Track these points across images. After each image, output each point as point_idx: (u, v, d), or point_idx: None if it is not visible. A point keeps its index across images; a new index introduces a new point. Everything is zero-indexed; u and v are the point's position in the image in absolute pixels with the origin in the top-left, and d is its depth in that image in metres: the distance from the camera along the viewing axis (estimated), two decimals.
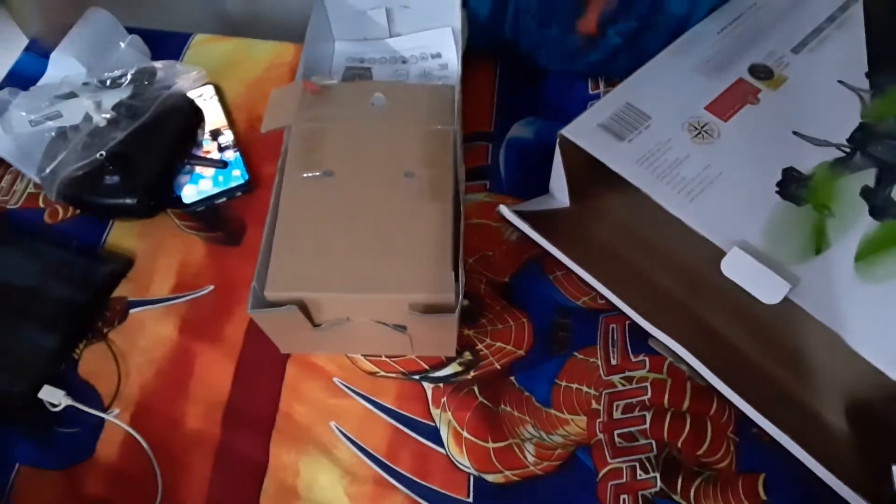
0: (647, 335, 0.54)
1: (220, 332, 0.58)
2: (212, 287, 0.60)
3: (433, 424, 0.53)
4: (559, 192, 0.62)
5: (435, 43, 0.74)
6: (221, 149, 0.67)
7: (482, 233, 0.62)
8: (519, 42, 0.71)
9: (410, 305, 0.49)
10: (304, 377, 0.55)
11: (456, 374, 0.55)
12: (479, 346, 0.56)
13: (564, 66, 0.72)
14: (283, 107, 0.59)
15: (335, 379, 0.55)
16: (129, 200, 0.60)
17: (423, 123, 0.57)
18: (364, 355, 0.56)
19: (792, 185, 0.54)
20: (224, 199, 0.65)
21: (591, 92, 0.71)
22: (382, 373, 0.56)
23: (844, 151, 0.56)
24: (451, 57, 0.73)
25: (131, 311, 0.59)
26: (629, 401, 0.54)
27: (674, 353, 0.52)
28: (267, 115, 0.58)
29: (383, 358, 0.56)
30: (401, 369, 0.56)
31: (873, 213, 0.53)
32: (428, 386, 0.55)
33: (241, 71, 0.74)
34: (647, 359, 0.56)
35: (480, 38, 0.73)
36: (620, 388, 0.54)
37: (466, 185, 0.65)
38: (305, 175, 0.54)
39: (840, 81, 0.60)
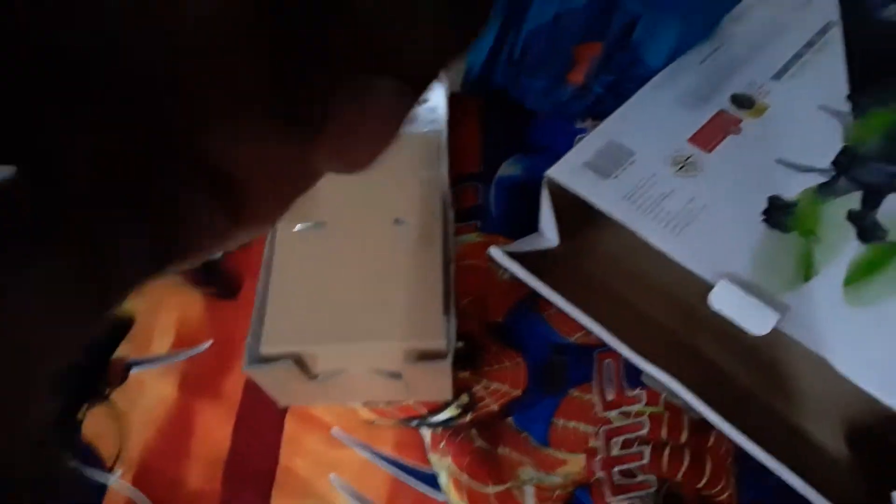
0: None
1: (219, 387, 0.58)
2: (210, 342, 0.61)
3: (432, 471, 0.53)
4: (549, 231, 0.62)
5: None
6: None
7: (476, 274, 0.63)
8: (508, 88, 0.73)
9: (404, 352, 0.49)
10: (304, 429, 0.56)
11: (454, 418, 0.56)
12: (476, 388, 0.57)
13: (551, 111, 0.73)
14: None
15: (334, 429, 0.56)
16: None
17: (411, 171, 0.59)
18: (363, 403, 0.57)
19: (777, 212, 0.54)
20: (220, 253, 0.66)
21: (577, 126, 0.72)
22: (380, 420, 0.56)
23: (828, 176, 0.56)
24: (440, 101, 0.75)
25: (132, 371, 0.60)
26: (627, 436, 0.54)
27: (667, 388, 0.52)
28: None
29: (381, 405, 0.56)
30: (399, 416, 0.56)
31: (861, 236, 0.52)
32: (426, 431, 0.55)
33: None
34: (643, 392, 0.56)
35: (472, 84, 0.74)
36: (618, 423, 0.54)
37: (458, 227, 0.66)
38: (297, 227, 0.55)
39: (821, 106, 0.60)
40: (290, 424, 0.56)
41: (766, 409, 0.54)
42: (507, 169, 0.70)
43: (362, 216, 0.56)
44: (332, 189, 0.58)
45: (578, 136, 0.71)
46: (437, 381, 0.53)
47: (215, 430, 0.56)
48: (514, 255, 0.60)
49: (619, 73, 0.67)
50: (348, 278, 0.52)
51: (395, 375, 0.52)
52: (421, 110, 0.75)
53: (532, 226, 0.63)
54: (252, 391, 0.58)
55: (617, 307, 0.59)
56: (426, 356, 0.49)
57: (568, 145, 0.69)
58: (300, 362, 0.50)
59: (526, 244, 0.63)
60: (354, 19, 0.15)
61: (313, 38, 0.14)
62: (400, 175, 0.58)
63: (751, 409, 0.54)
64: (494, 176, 0.70)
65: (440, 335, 0.49)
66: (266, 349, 0.49)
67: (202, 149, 0.14)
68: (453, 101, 0.70)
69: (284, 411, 0.57)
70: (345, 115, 0.15)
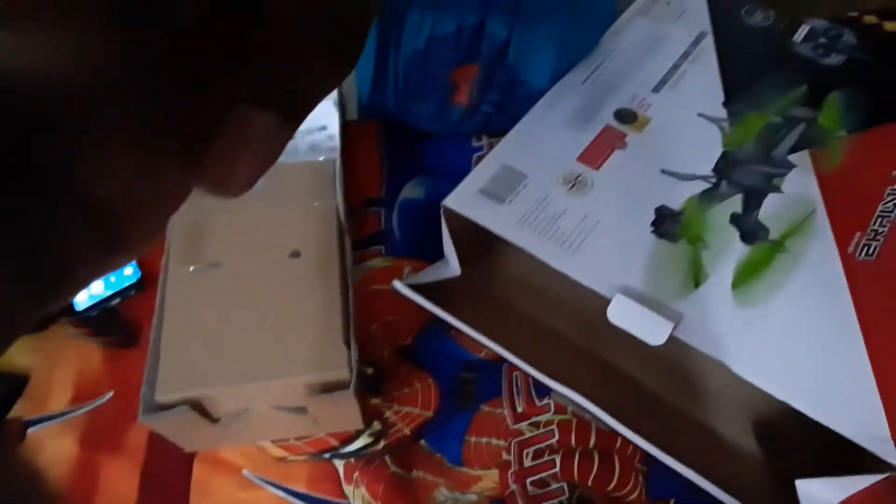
0: None
1: (122, 440, 0.56)
2: (111, 394, 0.59)
3: (347, 503, 0.53)
4: (451, 258, 0.63)
5: (318, 116, 0.76)
6: None
7: (381, 298, 0.63)
8: (399, 113, 0.74)
9: (306, 386, 0.49)
10: (212, 474, 0.54)
11: (366, 447, 0.55)
12: (388, 414, 0.57)
13: (445, 131, 0.74)
14: None
15: (244, 471, 0.55)
16: None
17: (304, 201, 0.58)
18: (272, 441, 0.56)
19: (665, 222, 0.56)
20: (118, 299, 0.64)
21: (474, 145, 0.74)
22: (292, 457, 0.55)
23: (711, 182, 0.59)
24: (335, 129, 0.75)
25: (29, 430, 0.57)
26: (538, 446, 0.55)
27: (576, 403, 0.53)
28: None
29: (292, 441, 0.56)
30: (310, 450, 0.55)
31: (744, 238, 0.55)
32: (339, 463, 0.55)
33: None
34: (551, 402, 0.57)
35: (366, 111, 0.75)
36: (529, 434, 0.55)
37: (362, 253, 0.66)
38: (191, 269, 0.54)
39: (700, 114, 0.63)
40: (198, 470, 0.55)
41: (676, 414, 0.56)
42: (410, 191, 0.71)
43: (257, 252, 0.55)
44: (226, 228, 0.57)
45: (476, 155, 0.72)
46: (344, 412, 0.53)
47: (120, 484, 0.54)
48: (417, 288, 0.60)
49: (504, 94, 0.69)
50: (244, 317, 0.52)
51: (301, 410, 0.51)
52: (318, 137, 0.75)
53: (438, 247, 0.64)
54: (157, 440, 0.56)
55: (524, 328, 0.60)
56: (330, 387, 0.49)
57: (466, 164, 0.71)
58: (199, 407, 0.49)
59: (430, 275, 0.63)
60: (238, 51, 0.15)
61: (195, 69, 0.15)
62: (294, 206, 0.58)
63: (661, 414, 0.56)
64: (397, 199, 0.70)
65: (342, 365, 0.49)
66: (161, 397, 0.48)
67: (75, 182, 0.14)
68: (351, 127, 0.71)
69: (192, 457, 0.55)
70: (226, 145, 0.16)
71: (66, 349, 0.61)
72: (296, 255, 0.55)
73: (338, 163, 0.61)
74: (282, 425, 0.54)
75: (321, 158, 0.63)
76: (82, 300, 0.63)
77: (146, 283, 0.64)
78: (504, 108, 0.70)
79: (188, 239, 0.56)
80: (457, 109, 0.70)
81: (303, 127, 0.75)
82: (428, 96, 0.71)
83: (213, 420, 0.51)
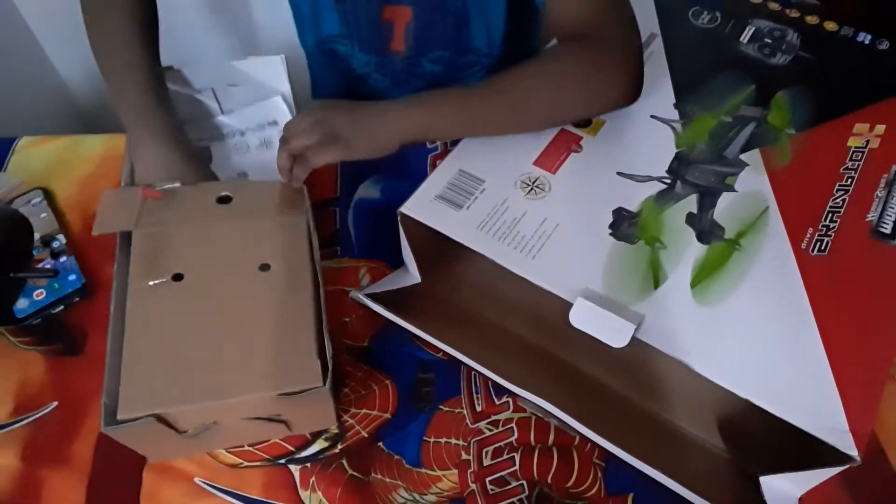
0: None
1: (66, 451, 0.54)
2: (55, 404, 0.56)
3: None
4: (411, 266, 0.62)
5: (270, 112, 0.75)
6: (55, 254, 0.64)
7: (337, 299, 0.62)
8: (353, 70, 0.73)
9: (278, 398, 0.48)
10: (163, 483, 0.53)
11: (323, 451, 0.54)
12: (345, 417, 0.56)
13: (395, 92, 0.73)
14: (118, 210, 0.57)
15: (196, 479, 0.53)
16: None
17: (272, 214, 0.57)
18: (224, 448, 0.54)
19: (623, 224, 0.56)
20: (62, 306, 0.61)
21: (429, 146, 0.73)
22: (246, 463, 0.54)
23: (666, 183, 0.59)
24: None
25: None
26: (497, 445, 0.54)
27: (537, 405, 0.53)
28: (99, 217, 0.56)
29: (245, 447, 0.54)
30: (265, 455, 0.54)
31: (700, 238, 0.56)
32: (295, 468, 0.53)
33: (72, 170, 0.72)
34: (510, 400, 0.56)
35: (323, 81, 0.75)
36: (488, 433, 0.55)
37: None
38: (152, 283, 0.52)
39: (653, 116, 0.64)
40: (148, 480, 0.53)
41: (641, 415, 0.56)
42: (366, 191, 0.70)
43: (224, 265, 0.54)
44: (191, 240, 0.55)
45: (431, 154, 0.72)
46: (319, 412, 0.52)
47: (66, 497, 0.52)
48: (376, 297, 0.59)
49: (449, 50, 0.69)
50: (212, 332, 0.50)
51: (275, 418, 0.50)
52: (270, 133, 0.74)
53: (394, 247, 0.63)
54: (104, 450, 0.54)
55: (486, 334, 0.59)
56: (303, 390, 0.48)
57: (422, 163, 0.71)
58: (164, 420, 0.47)
59: (389, 283, 0.62)
60: None
61: None
62: (262, 220, 0.57)
63: (626, 416, 0.56)
64: (352, 200, 0.69)
65: (316, 380, 0.47)
66: (123, 414, 0.46)
67: None
68: None
69: (140, 467, 0.53)
70: None
71: (6, 359, 0.59)
72: (265, 268, 0.53)
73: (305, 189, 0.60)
74: (254, 432, 0.52)
75: None
76: (23, 307, 0.60)
77: (90, 290, 0.62)
78: (454, 72, 0.69)
79: (150, 250, 0.54)
80: (398, 60, 0.69)
81: (253, 123, 0.74)
82: (370, 48, 0.70)
83: (180, 432, 0.49)
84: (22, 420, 0.56)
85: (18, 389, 0.57)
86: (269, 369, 0.48)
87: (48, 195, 0.69)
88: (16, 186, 0.67)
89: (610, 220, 0.56)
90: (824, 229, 0.56)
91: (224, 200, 0.58)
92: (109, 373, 0.48)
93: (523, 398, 0.54)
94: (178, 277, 0.53)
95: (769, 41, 0.70)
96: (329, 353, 0.49)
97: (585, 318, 0.50)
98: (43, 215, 0.67)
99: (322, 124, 0.58)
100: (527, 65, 0.61)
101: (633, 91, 0.62)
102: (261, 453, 0.54)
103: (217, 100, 0.73)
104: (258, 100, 0.75)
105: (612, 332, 0.50)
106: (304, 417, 0.53)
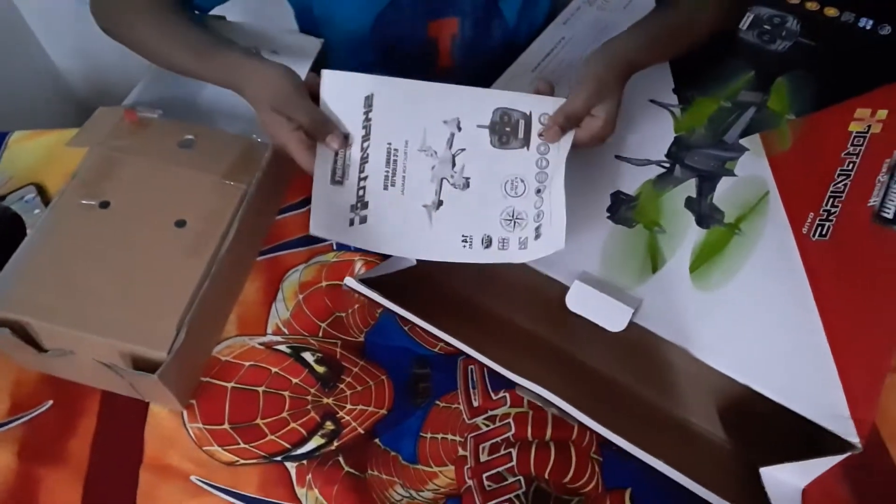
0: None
1: (63, 449, 0.54)
2: (50, 402, 0.56)
3: None
4: None
5: None
6: None
7: (333, 294, 0.61)
8: None
9: (119, 353, 0.49)
10: (159, 481, 0.52)
11: (319, 448, 0.54)
12: (340, 414, 0.55)
13: None
14: (98, 128, 0.59)
15: (192, 477, 0.53)
16: None
17: (218, 175, 0.57)
18: (221, 446, 0.54)
19: (621, 207, 0.56)
20: None
21: None
22: (242, 461, 0.53)
23: (664, 167, 0.58)
24: None
25: None
26: (495, 440, 0.54)
27: (538, 395, 0.52)
28: (81, 131, 0.59)
29: (241, 445, 0.54)
30: (261, 453, 0.54)
31: (699, 222, 0.55)
32: (291, 466, 0.53)
33: (65, 164, 0.70)
34: (507, 394, 0.56)
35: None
36: (485, 428, 0.54)
37: (313, 249, 0.64)
38: (83, 202, 0.54)
39: (651, 100, 0.63)
40: (144, 478, 0.53)
41: (641, 402, 0.55)
42: None
43: (148, 209, 0.55)
44: (134, 171, 0.57)
45: None
46: (159, 390, 0.51)
47: (62, 496, 0.52)
48: (370, 282, 0.59)
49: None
50: (104, 266, 0.52)
51: (119, 374, 0.51)
52: None
53: None
54: (101, 448, 0.54)
55: (482, 320, 0.59)
56: (140, 364, 0.49)
57: None
58: (24, 333, 0.50)
59: (384, 269, 0.62)
60: None
61: None
62: (205, 176, 0.57)
63: (625, 403, 0.55)
64: None
65: (161, 347, 0.48)
66: None
67: None
68: None
69: (137, 466, 0.53)
70: None
71: (1, 357, 0.58)
72: (181, 224, 0.54)
73: (270, 149, 0.59)
74: (103, 378, 0.53)
75: (259, 140, 0.60)
76: None
77: None
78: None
79: (97, 172, 0.57)
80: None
81: None
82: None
83: (41, 350, 0.51)
84: (18, 419, 0.55)
85: (14, 388, 0.57)
86: (129, 322, 0.49)
87: (41, 190, 0.68)
88: (4, 182, 0.67)
89: (608, 203, 0.56)
90: (825, 214, 0.55)
91: (186, 144, 0.59)
92: (3, 274, 0.51)
93: (521, 388, 0.53)
94: (105, 205, 0.55)
95: (769, 28, 0.68)
96: (180, 342, 0.49)
97: (583, 301, 0.50)
98: (36, 211, 0.66)
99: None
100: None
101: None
102: (256, 451, 0.54)
103: None
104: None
105: (610, 315, 0.49)
106: (147, 388, 0.53)
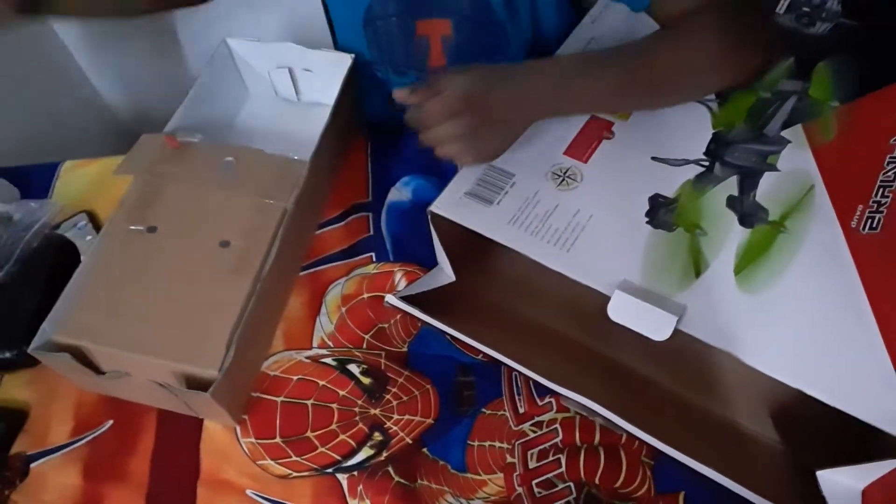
0: None
1: (124, 467, 0.56)
2: (111, 422, 0.58)
3: None
4: (444, 265, 0.62)
5: None
6: None
7: (375, 307, 0.62)
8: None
9: (173, 374, 0.51)
10: (216, 496, 0.54)
11: (369, 459, 0.55)
12: (388, 424, 0.56)
13: None
14: (141, 156, 0.62)
15: (248, 491, 0.54)
16: (7, 354, 0.59)
17: (257, 195, 0.59)
18: (273, 459, 0.55)
19: (660, 211, 0.54)
20: None
21: None
22: (295, 473, 0.54)
23: (703, 166, 0.57)
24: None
25: (32, 465, 0.57)
26: (542, 446, 0.54)
27: (581, 404, 0.52)
28: (127, 159, 0.62)
29: (293, 458, 0.55)
30: (313, 465, 0.55)
31: (742, 221, 0.53)
32: (343, 477, 0.54)
33: (113, 190, 0.73)
34: (553, 400, 0.56)
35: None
36: (532, 435, 0.55)
37: (353, 262, 0.65)
38: (131, 227, 0.57)
39: None
40: (202, 493, 0.54)
41: (689, 410, 0.54)
42: (396, 194, 0.70)
43: (193, 231, 0.57)
44: (178, 197, 0.59)
45: None
46: (212, 408, 0.53)
47: None
48: (410, 299, 0.59)
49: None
50: (155, 289, 0.54)
51: (173, 393, 0.52)
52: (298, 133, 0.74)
53: (429, 249, 0.62)
54: (159, 465, 0.56)
55: (524, 332, 0.59)
56: (192, 383, 0.51)
57: (452, 162, 0.70)
58: (83, 357, 0.52)
59: (423, 285, 0.62)
60: None
61: None
62: (245, 196, 0.59)
63: (673, 412, 0.54)
64: (384, 204, 0.69)
65: (212, 366, 0.50)
66: (58, 338, 0.52)
67: None
68: (335, 129, 0.69)
69: (195, 482, 0.55)
70: None
71: (63, 381, 0.61)
72: (225, 244, 0.56)
73: (307, 167, 0.60)
74: (158, 397, 0.55)
75: (295, 157, 0.61)
76: None
77: None
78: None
79: (143, 197, 0.59)
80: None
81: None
82: (407, 66, 0.69)
83: (99, 372, 0.53)
84: (81, 439, 0.58)
85: (76, 410, 0.59)
86: (179, 343, 0.51)
87: (92, 217, 0.71)
88: (57, 212, 0.69)
89: (646, 207, 0.54)
90: (875, 205, 0.53)
91: (227, 167, 0.61)
92: (62, 301, 0.54)
93: (566, 397, 0.53)
94: (152, 230, 0.57)
95: (807, 10, 0.66)
96: (230, 358, 0.50)
97: (625, 311, 0.49)
98: (88, 238, 0.69)
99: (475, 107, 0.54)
100: (667, 35, 0.61)
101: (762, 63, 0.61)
102: (308, 463, 0.55)
103: (293, 79, 0.76)
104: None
105: (653, 324, 0.48)
106: (200, 405, 0.55)
